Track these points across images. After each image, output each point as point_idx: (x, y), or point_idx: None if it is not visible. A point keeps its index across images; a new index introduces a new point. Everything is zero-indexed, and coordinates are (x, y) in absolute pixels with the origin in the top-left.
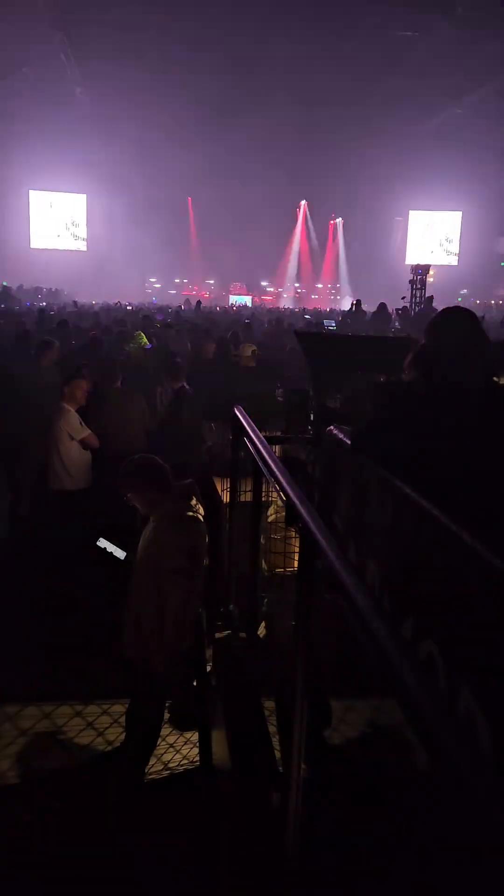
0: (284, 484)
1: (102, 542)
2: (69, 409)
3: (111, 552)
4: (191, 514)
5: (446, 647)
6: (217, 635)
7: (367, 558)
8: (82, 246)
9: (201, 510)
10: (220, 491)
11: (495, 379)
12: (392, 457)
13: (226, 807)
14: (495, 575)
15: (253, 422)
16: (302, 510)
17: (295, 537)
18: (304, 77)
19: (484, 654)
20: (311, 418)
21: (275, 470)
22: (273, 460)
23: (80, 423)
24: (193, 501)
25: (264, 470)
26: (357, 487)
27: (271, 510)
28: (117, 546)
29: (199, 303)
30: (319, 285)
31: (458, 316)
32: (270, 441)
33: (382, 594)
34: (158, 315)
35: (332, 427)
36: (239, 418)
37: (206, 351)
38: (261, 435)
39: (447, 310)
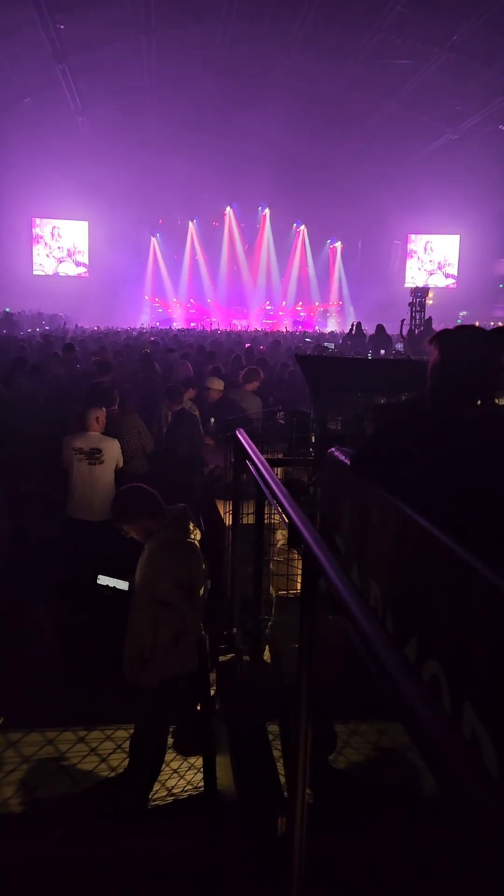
0: (287, 506)
1: (103, 580)
2: (112, 438)
3: (113, 586)
4: (185, 540)
5: (450, 667)
6: (221, 659)
7: (369, 579)
8: (84, 272)
9: (197, 535)
10: (222, 513)
11: (497, 401)
12: (391, 478)
13: (230, 832)
14: (498, 594)
15: (254, 443)
16: (304, 532)
17: (297, 559)
18: (304, 103)
19: (489, 674)
20: (313, 440)
21: (277, 492)
22: (275, 482)
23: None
24: (188, 526)
25: (266, 492)
26: (359, 509)
27: (279, 534)
28: (118, 579)
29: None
30: (316, 303)
31: (466, 334)
32: (272, 463)
33: (385, 615)
34: (158, 341)
35: (333, 449)
36: (241, 441)
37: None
38: (262, 457)
39: (459, 327)
